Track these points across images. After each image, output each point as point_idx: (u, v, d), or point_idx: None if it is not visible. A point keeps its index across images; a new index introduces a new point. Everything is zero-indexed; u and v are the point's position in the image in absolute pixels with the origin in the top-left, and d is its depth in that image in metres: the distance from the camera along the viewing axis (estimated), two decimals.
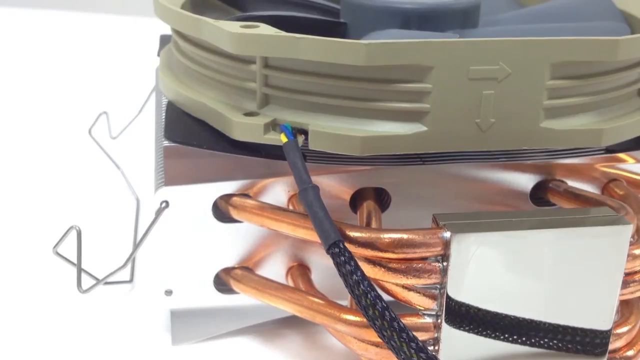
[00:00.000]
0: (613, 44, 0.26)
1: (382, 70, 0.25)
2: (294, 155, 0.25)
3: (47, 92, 0.60)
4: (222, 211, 0.28)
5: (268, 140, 0.27)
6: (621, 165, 0.29)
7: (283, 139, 0.26)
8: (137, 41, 0.66)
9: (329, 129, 0.26)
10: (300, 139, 0.27)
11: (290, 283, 0.29)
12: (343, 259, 0.23)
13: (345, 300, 0.27)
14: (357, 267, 0.23)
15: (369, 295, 0.23)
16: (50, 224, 0.39)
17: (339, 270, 0.23)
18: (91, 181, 0.45)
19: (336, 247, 0.24)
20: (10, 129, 0.52)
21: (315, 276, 0.29)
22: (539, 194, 0.29)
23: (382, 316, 0.23)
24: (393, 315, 0.23)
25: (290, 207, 0.28)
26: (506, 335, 0.25)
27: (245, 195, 0.27)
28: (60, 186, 0.44)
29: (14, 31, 0.81)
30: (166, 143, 0.29)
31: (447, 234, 0.24)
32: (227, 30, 0.26)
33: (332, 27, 0.32)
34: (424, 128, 0.26)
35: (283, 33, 0.26)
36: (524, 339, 0.25)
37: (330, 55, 0.25)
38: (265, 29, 0.26)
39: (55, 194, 0.43)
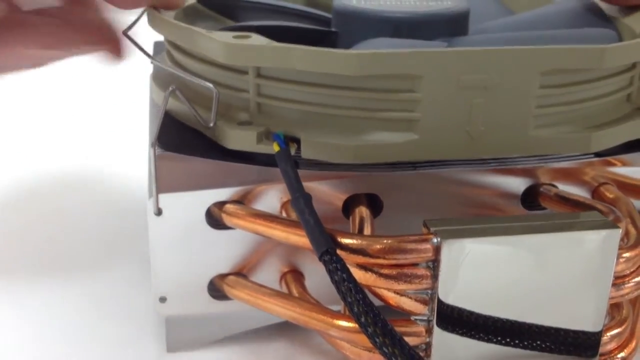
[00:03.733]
0: (600, 52, 0.26)
1: (373, 79, 0.26)
2: (286, 164, 0.26)
3: (43, 96, 0.60)
4: (215, 218, 0.28)
5: (261, 149, 0.27)
6: (611, 169, 0.30)
7: (275, 148, 0.26)
8: (132, 46, 0.66)
9: (321, 137, 0.27)
10: (293, 147, 0.27)
11: (284, 289, 0.29)
12: (335, 266, 0.24)
13: (339, 306, 0.27)
14: (349, 275, 0.24)
15: (361, 303, 0.23)
16: (49, 232, 0.39)
17: (331, 277, 0.24)
18: (86, 188, 0.45)
19: (328, 255, 0.24)
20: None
21: (309, 282, 0.29)
22: (530, 198, 0.29)
23: (375, 323, 0.23)
24: (385, 322, 0.23)
25: (284, 214, 0.28)
26: (498, 338, 0.25)
27: (238, 202, 0.28)
28: (55, 194, 0.44)
29: None
30: (159, 151, 0.29)
31: (438, 240, 0.24)
32: (219, 41, 0.27)
33: (323, 36, 0.32)
34: (415, 136, 0.26)
35: (275, 43, 0.26)
36: (516, 341, 0.26)
37: (322, 65, 0.25)
38: (257, 39, 0.27)
39: (50, 202, 0.43)
